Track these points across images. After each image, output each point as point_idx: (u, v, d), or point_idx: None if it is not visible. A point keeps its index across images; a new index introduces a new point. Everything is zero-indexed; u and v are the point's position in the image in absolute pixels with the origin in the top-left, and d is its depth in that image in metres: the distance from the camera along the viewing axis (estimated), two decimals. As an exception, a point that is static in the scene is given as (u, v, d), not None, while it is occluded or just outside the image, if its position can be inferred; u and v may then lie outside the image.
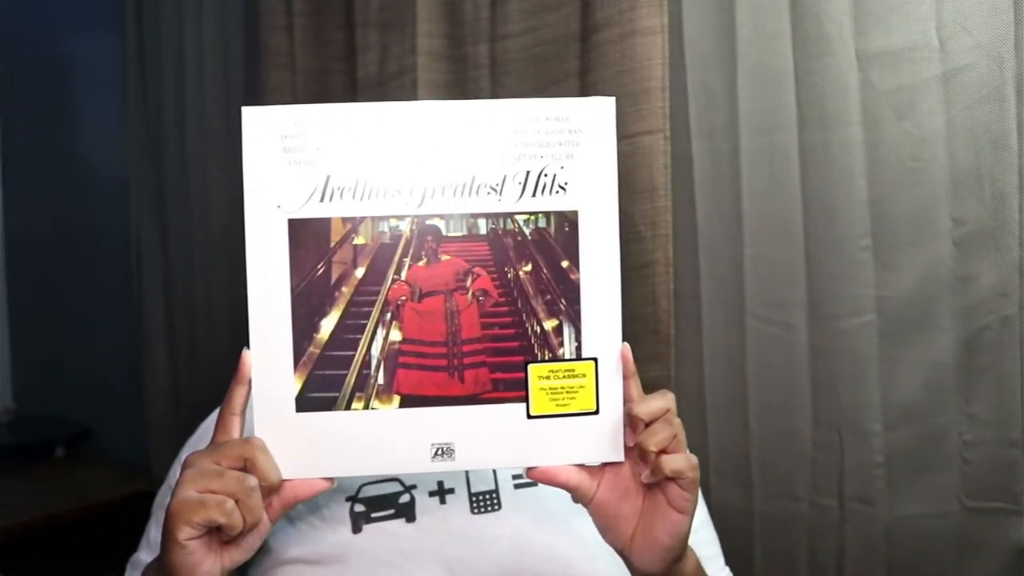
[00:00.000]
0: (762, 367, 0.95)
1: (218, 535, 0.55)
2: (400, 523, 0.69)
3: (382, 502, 0.70)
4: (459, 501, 0.71)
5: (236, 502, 0.53)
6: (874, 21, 0.85)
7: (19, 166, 2.14)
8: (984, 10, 0.80)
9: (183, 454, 0.77)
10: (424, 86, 1.13)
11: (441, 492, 0.71)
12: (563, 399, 0.61)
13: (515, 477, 0.73)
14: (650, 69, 0.94)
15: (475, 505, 0.71)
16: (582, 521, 0.69)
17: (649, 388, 0.89)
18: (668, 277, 0.95)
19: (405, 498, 0.70)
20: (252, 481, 0.54)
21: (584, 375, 0.61)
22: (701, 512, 0.78)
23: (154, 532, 0.76)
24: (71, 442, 1.90)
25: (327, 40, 1.28)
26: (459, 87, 1.13)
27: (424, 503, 0.70)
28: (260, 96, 1.33)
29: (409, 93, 1.13)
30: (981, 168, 0.82)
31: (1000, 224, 0.82)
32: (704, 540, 0.76)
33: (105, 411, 1.92)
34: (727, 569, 0.77)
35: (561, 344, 0.60)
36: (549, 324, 0.61)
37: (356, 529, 0.68)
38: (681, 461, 0.57)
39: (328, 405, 0.59)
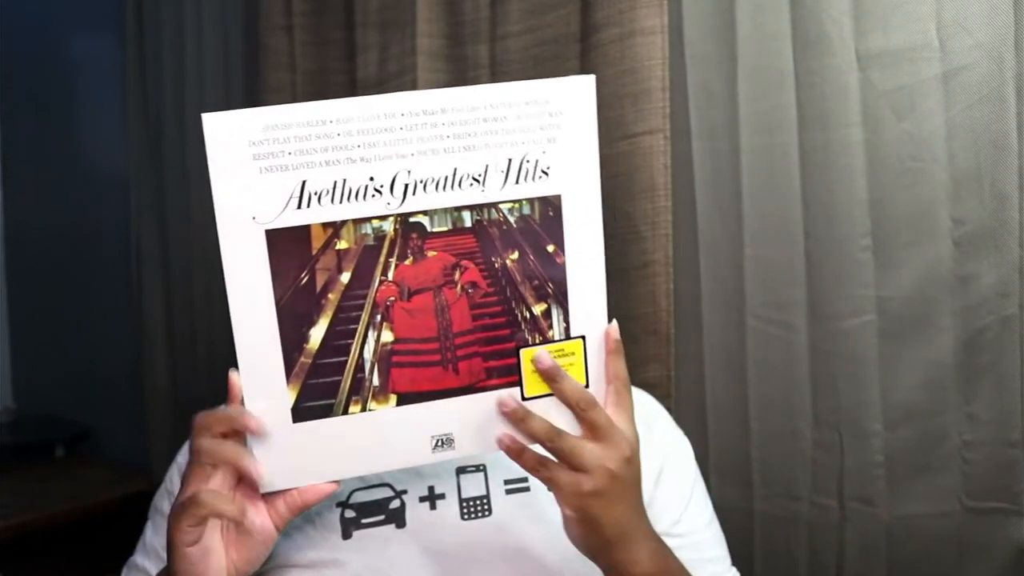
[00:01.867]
0: (762, 367, 0.95)
1: (228, 536, 0.57)
2: (390, 529, 0.69)
3: (372, 508, 0.69)
4: (449, 507, 0.70)
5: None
6: (874, 21, 0.85)
7: (19, 166, 2.14)
8: (984, 10, 0.80)
9: (180, 457, 0.77)
10: (424, 86, 1.13)
11: (432, 498, 0.70)
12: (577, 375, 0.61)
13: (507, 482, 0.72)
14: (650, 69, 0.94)
15: (465, 511, 0.70)
16: None
17: (649, 388, 0.89)
18: (668, 277, 0.95)
19: (395, 504, 0.70)
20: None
21: (573, 353, 0.61)
22: (706, 511, 0.77)
23: (150, 535, 0.76)
24: (71, 442, 1.91)
25: (327, 40, 1.28)
26: (459, 87, 1.13)
27: (414, 509, 0.70)
28: (260, 96, 1.33)
29: (409, 93, 1.13)
30: (981, 168, 0.82)
31: (1000, 224, 0.81)
32: (708, 540, 0.75)
33: (105, 411, 1.92)
34: (734, 569, 0.76)
35: (550, 326, 0.61)
36: (538, 308, 0.61)
37: (346, 535, 0.68)
38: (527, 461, 0.57)
39: (325, 412, 0.58)
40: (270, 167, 0.55)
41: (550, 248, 0.60)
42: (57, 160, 2.02)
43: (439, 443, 0.60)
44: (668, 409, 0.87)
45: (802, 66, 0.89)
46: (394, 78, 1.16)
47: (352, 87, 1.23)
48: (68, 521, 1.57)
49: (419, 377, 0.59)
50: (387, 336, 0.59)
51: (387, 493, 0.70)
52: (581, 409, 0.58)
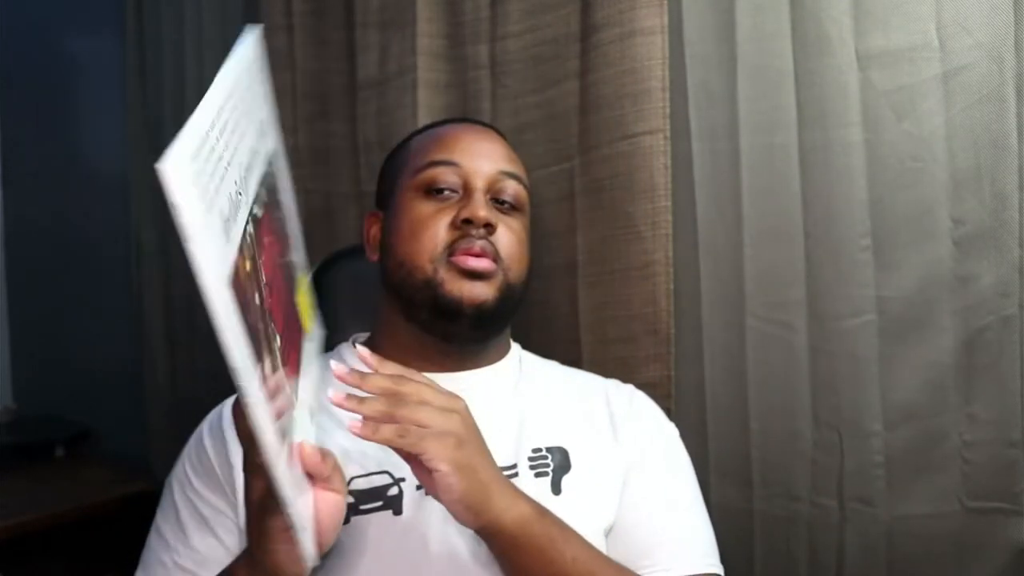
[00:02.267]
0: (762, 367, 0.94)
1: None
2: (387, 515, 0.69)
3: (371, 494, 0.70)
4: None
5: None
6: (874, 21, 0.85)
7: (19, 166, 2.14)
8: (984, 10, 0.81)
9: (185, 454, 0.77)
10: (424, 86, 1.13)
11: None
12: (308, 312, 0.68)
13: None
14: (650, 69, 0.94)
15: None
16: (562, 509, 0.68)
17: (649, 388, 0.89)
18: (668, 277, 0.95)
19: (393, 491, 0.70)
20: None
21: (303, 290, 0.68)
22: (682, 494, 0.77)
23: (164, 525, 0.76)
24: (71, 442, 1.90)
25: (327, 40, 1.28)
26: (459, 87, 1.13)
27: (411, 495, 0.70)
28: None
29: (409, 93, 1.13)
30: (981, 168, 0.82)
31: (1000, 224, 0.82)
32: (678, 525, 0.74)
33: (105, 411, 1.92)
34: (709, 560, 0.74)
35: (296, 268, 0.67)
36: (292, 256, 0.66)
37: (344, 521, 0.68)
38: (386, 437, 0.58)
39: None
40: (210, 204, 0.42)
41: (283, 199, 0.65)
42: (57, 160, 2.01)
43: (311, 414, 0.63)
44: (668, 410, 0.87)
45: (802, 66, 0.89)
46: (394, 78, 1.16)
47: (352, 87, 1.23)
48: (68, 521, 1.56)
49: (290, 361, 0.59)
50: (277, 340, 0.55)
51: (386, 480, 0.71)
52: (395, 384, 0.60)
